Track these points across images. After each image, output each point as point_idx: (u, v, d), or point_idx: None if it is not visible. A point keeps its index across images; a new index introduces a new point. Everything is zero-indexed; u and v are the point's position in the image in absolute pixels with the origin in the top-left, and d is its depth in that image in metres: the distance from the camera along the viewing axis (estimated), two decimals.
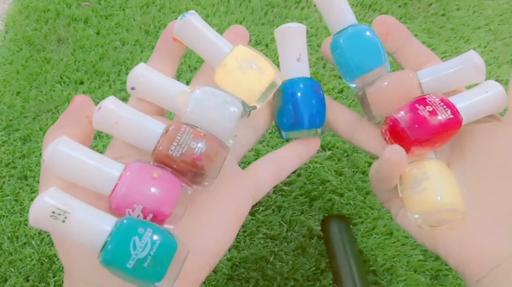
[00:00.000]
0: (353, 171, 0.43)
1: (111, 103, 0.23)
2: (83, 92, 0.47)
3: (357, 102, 0.47)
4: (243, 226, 0.40)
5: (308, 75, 0.28)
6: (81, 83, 0.48)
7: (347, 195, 0.42)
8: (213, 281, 0.38)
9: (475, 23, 0.53)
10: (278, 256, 0.39)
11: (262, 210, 0.41)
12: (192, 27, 0.26)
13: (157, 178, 0.21)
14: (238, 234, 0.40)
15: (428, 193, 0.24)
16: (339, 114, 0.30)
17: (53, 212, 0.20)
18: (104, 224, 0.20)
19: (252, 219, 0.41)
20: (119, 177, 0.21)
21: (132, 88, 0.25)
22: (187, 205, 0.23)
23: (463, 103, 0.25)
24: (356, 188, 0.42)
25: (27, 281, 0.38)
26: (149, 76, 0.25)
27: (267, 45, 0.51)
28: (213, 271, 0.38)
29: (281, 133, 0.29)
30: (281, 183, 0.42)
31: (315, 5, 0.53)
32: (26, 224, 0.40)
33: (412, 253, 0.39)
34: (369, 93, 0.27)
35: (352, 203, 0.42)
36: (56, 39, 0.51)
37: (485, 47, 0.51)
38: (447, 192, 0.24)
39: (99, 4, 0.54)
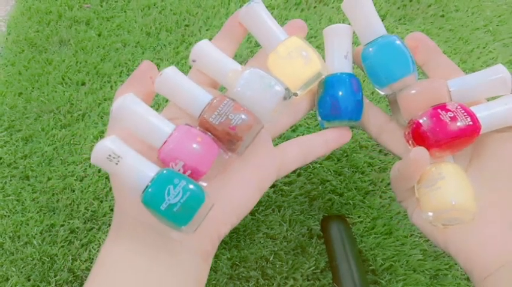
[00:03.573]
0: (352, 171, 0.44)
1: (171, 71, 0.27)
2: (84, 93, 0.48)
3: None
4: (243, 226, 0.41)
5: (352, 71, 0.30)
6: (83, 84, 0.49)
7: (346, 195, 0.42)
8: (213, 280, 0.38)
9: (473, 24, 0.53)
10: (278, 255, 0.39)
11: (262, 210, 0.41)
12: (255, 14, 0.29)
13: (200, 141, 0.25)
14: (238, 233, 0.40)
15: (441, 192, 0.26)
16: (371, 114, 0.32)
17: (109, 155, 0.24)
18: (148, 171, 0.24)
19: (252, 219, 0.41)
20: (169, 135, 0.25)
21: (193, 61, 0.29)
22: (220, 169, 0.27)
23: (483, 113, 0.26)
24: (355, 188, 0.43)
25: (29, 280, 0.38)
26: (209, 52, 0.28)
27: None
28: (213, 270, 0.39)
29: (320, 122, 0.31)
30: (281, 183, 0.43)
31: (314, 7, 0.53)
32: (28, 224, 0.40)
33: (412, 252, 0.39)
34: (400, 98, 0.29)
35: (351, 203, 0.42)
36: (58, 40, 0.51)
37: (484, 47, 0.51)
38: (460, 192, 0.26)
39: (101, 6, 0.54)
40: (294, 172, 0.43)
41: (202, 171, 0.25)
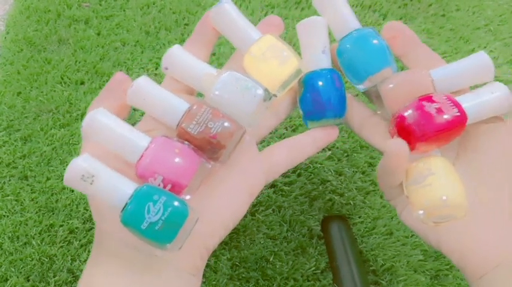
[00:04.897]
0: (353, 171, 0.43)
1: (143, 81, 0.26)
2: (84, 93, 0.47)
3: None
4: (243, 226, 0.40)
5: (331, 66, 0.29)
6: (82, 83, 0.48)
7: (347, 195, 0.42)
8: (213, 281, 0.38)
9: (474, 23, 0.53)
10: (278, 255, 0.39)
11: (262, 210, 0.41)
12: (225, 15, 0.28)
13: (178, 153, 0.24)
14: (238, 234, 0.40)
15: (432, 188, 0.25)
16: (353, 109, 0.31)
17: (83, 175, 0.22)
18: (126, 188, 0.23)
19: (252, 219, 0.41)
20: (145, 148, 0.24)
21: (166, 68, 0.27)
22: (203, 179, 0.25)
23: (469, 103, 0.25)
24: (356, 188, 0.42)
25: (28, 281, 0.38)
26: (182, 57, 0.27)
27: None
28: (213, 271, 0.39)
29: (305, 122, 0.30)
30: (281, 183, 0.43)
31: None
32: (27, 224, 0.40)
33: (412, 253, 0.39)
34: (382, 91, 0.27)
35: (352, 203, 0.42)
36: (57, 39, 0.51)
37: (485, 47, 0.51)
38: (451, 188, 0.25)
39: (100, 5, 0.54)
40: (294, 172, 0.43)
41: (183, 184, 0.24)
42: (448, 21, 0.53)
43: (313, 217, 0.41)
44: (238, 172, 0.27)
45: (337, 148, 0.44)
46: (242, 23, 0.28)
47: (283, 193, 0.42)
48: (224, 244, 0.40)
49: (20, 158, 0.44)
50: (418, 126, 0.25)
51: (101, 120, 0.24)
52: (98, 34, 0.52)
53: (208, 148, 0.25)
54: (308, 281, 0.38)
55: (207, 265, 0.39)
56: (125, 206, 0.22)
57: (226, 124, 0.25)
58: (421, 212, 0.25)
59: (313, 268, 0.39)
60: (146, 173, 0.24)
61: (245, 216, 0.41)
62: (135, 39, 0.51)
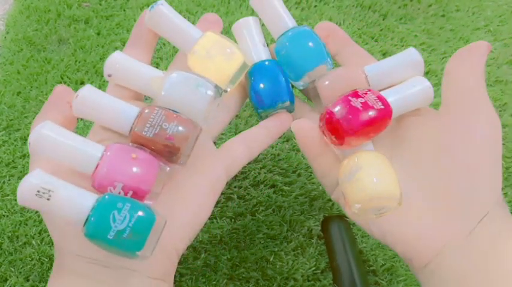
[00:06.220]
0: None
1: (87, 91, 0.25)
2: None
3: None
4: (243, 226, 0.40)
5: (271, 57, 0.30)
6: (82, 83, 0.48)
7: None
8: (213, 281, 0.38)
9: (474, 24, 0.53)
10: (278, 255, 0.39)
11: (262, 210, 0.41)
12: (162, 17, 0.27)
13: (135, 158, 0.23)
14: (238, 234, 0.40)
15: (362, 182, 0.25)
16: None
17: (38, 191, 0.21)
18: (86, 200, 0.22)
19: (252, 219, 0.41)
20: (100, 157, 0.23)
21: (109, 75, 0.27)
22: (165, 182, 0.25)
23: (394, 97, 0.27)
24: None
25: (27, 281, 0.38)
26: (125, 63, 0.27)
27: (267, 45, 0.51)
28: (213, 271, 0.39)
29: (257, 111, 0.31)
30: (281, 183, 0.43)
31: (315, 6, 0.53)
32: (26, 224, 0.40)
33: None
34: (319, 87, 0.28)
35: None
36: (57, 39, 0.51)
37: None
38: (380, 181, 0.25)
39: (100, 5, 0.54)
40: (294, 172, 0.43)
41: (145, 189, 0.23)
42: (448, 21, 0.53)
43: (313, 217, 0.41)
44: (199, 172, 0.27)
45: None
46: (181, 22, 0.27)
47: (283, 193, 0.42)
48: (224, 244, 0.40)
49: (20, 158, 0.44)
50: (345, 122, 0.26)
51: (49, 134, 0.23)
52: (98, 34, 0.52)
53: (166, 150, 0.24)
54: (308, 281, 0.38)
55: (207, 265, 0.39)
56: (88, 218, 0.21)
57: (181, 124, 0.24)
58: (357, 206, 0.26)
59: (313, 268, 0.39)
60: (104, 182, 0.23)
61: (245, 216, 0.41)
62: None
